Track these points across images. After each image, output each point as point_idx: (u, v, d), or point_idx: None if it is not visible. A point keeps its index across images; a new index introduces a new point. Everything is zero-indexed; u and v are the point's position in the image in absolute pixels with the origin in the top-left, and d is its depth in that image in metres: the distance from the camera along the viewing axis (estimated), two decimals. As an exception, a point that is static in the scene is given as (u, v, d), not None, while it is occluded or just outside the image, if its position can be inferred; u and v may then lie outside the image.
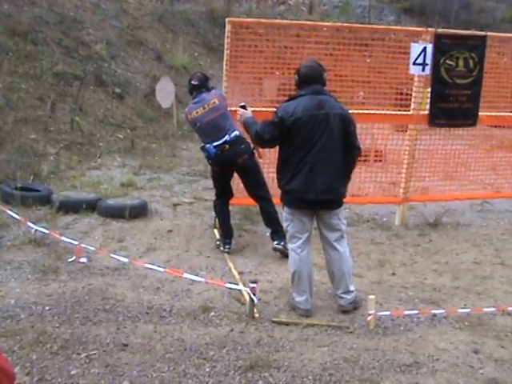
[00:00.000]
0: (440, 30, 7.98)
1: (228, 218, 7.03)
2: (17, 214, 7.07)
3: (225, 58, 7.39)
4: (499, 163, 9.27)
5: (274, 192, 6.97)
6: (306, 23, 9.18)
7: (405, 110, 8.16)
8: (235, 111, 6.64)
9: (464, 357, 4.77)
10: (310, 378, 4.40)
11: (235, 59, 7.53)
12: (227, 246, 6.86)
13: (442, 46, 7.72)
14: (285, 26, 8.34)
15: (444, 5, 23.37)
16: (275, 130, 5.30)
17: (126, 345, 4.72)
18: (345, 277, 5.45)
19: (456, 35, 7.98)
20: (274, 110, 5.61)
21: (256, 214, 7.61)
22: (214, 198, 7.20)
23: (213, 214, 7.37)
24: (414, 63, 7.61)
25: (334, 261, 5.45)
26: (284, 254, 6.59)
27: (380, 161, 8.95)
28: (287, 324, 5.20)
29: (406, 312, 5.35)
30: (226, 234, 6.96)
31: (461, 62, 7.81)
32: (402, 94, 8.43)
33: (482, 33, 8.17)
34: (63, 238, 6.46)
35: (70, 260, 6.29)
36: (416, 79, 7.86)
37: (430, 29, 7.93)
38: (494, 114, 8.51)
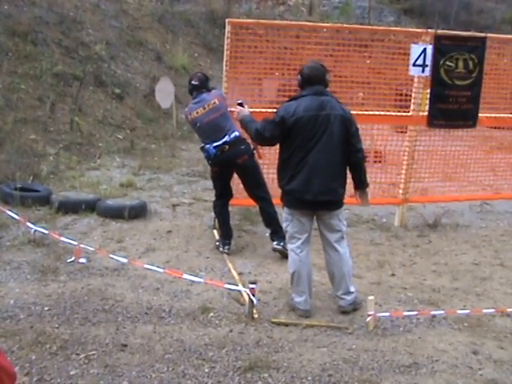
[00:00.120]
0: (440, 31, 7.99)
1: (227, 219, 7.02)
2: (16, 214, 7.07)
3: (225, 59, 7.39)
4: (499, 164, 9.27)
5: (274, 193, 6.98)
6: (305, 24, 9.19)
7: (404, 111, 8.16)
8: (234, 112, 6.67)
9: (463, 358, 4.78)
10: (310, 378, 4.40)
11: (235, 60, 7.53)
12: (227, 247, 6.86)
13: (442, 48, 7.72)
14: (284, 27, 8.35)
15: (444, 6, 23.38)
16: (276, 129, 5.31)
17: (125, 345, 4.72)
18: (345, 278, 5.45)
19: (456, 36, 7.98)
20: (274, 110, 5.63)
21: (255, 215, 7.61)
22: (213, 198, 7.19)
23: (212, 214, 7.37)
24: (414, 64, 7.61)
25: (335, 262, 5.45)
26: (283, 255, 6.58)
27: (379, 162, 8.94)
28: (286, 325, 5.20)
29: (406, 313, 5.35)
30: (226, 234, 6.96)
31: (460, 64, 7.81)
32: (401, 94, 8.44)
33: (482, 34, 8.18)
34: (62, 239, 6.46)
35: (69, 260, 6.29)
36: (416, 80, 7.86)
37: (429, 30, 7.93)
38: (493, 115, 8.51)
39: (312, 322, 5.28)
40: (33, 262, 6.22)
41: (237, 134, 6.72)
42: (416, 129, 8.06)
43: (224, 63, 7.42)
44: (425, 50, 7.58)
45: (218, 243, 6.96)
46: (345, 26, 8.79)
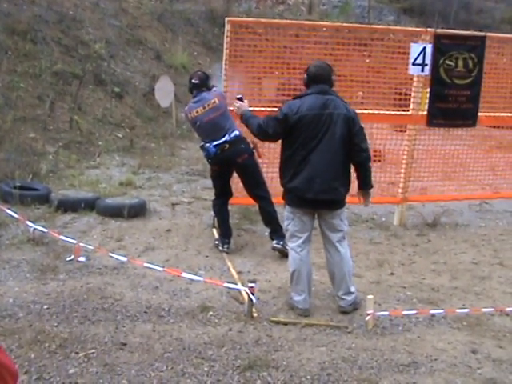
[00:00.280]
0: (439, 31, 7.98)
1: (227, 218, 7.02)
2: (15, 212, 7.07)
3: (224, 58, 7.39)
4: (498, 164, 9.27)
5: (273, 191, 6.99)
6: (305, 23, 9.18)
7: (404, 110, 8.16)
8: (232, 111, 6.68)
9: (462, 357, 4.78)
10: (309, 377, 4.40)
11: (234, 59, 7.53)
12: (226, 246, 6.86)
13: (442, 47, 7.72)
14: (284, 26, 8.34)
15: (443, 5, 23.38)
16: (279, 126, 5.32)
17: (125, 344, 4.72)
18: (345, 278, 5.45)
19: (455, 35, 7.98)
20: (274, 109, 5.63)
21: (255, 214, 7.61)
22: (212, 197, 7.20)
23: (212, 213, 7.37)
24: (414, 63, 7.61)
25: (335, 262, 5.45)
26: (283, 254, 6.59)
27: (379, 161, 8.93)
28: (286, 324, 5.20)
29: (405, 312, 5.36)
30: (225, 233, 6.96)
31: (460, 63, 7.81)
32: (401, 94, 8.43)
33: (482, 33, 8.17)
34: (62, 237, 6.46)
35: (68, 259, 6.29)
36: (415, 79, 7.86)
37: (429, 29, 7.93)
38: (493, 114, 8.51)
39: (311, 320, 5.28)
40: (32, 261, 6.22)
41: (237, 133, 6.72)
42: (415, 128, 8.06)
43: (223, 62, 7.42)
44: (424, 49, 7.58)
45: (217, 242, 6.96)
46: (344, 25, 8.78)
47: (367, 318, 5.18)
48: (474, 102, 8.03)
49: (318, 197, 5.22)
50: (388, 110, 8.29)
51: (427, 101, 7.98)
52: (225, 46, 7.33)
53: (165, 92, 12.59)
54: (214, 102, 6.76)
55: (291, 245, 5.50)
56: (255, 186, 6.91)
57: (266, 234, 7.10)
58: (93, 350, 4.60)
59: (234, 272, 6.24)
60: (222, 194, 7.02)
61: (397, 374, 4.50)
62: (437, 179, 8.76)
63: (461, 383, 4.41)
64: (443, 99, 7.90)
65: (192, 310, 5.37)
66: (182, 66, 15.84)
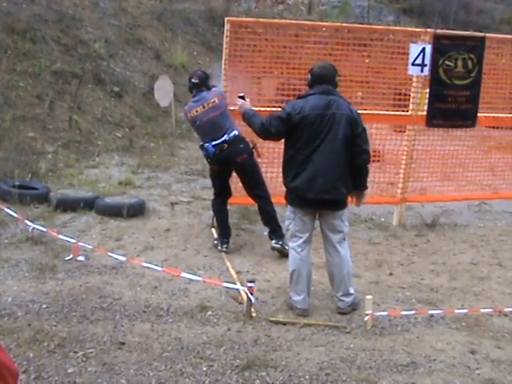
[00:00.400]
0: (439, 31, 7.99)
1: (226, 218, 7.02)
2: (14, 211, 7.06)
3: (223, 57, 7.38)
4: (497, 164, 9.27)
5: (272, 191, 6.99)
6: (304, 23, 9.18)
7: (403, 111, 8.16)
8: (233, 110, 6.68)
9: (461, 357, 4.78)
10: (307, 377, 4.40)
11: (234, 58, 7.53)
12: (225, 246, 6.86)
13: (441, 47, 7.72)
14: (284, 26, 8.34)
15: (443, 5, 23.38)
16: (282, 125, 5.32)
17: (123, 343, 4.72)
18: (345, 279, 5.45)
19: (455, 36, 7.99)
20: (273, 109, 5.63)
21: (254, 214, 7.61)
22: (212, 197, 7.20)
23: (211, 213, 7.37)
24: (413, 64, 7.62)
25: (335, 263, 5.45)
26: (282, 254, 6.59)
27: (378, 161, 8.94)
28: (284, 323, 5.20)
29: (403, 312, 5.36)
30: (224, 233, 6.96)
31: (459, 63, 7.81)
32: (400, 94, 8.43)
33: (481, 34, 8.17)
34: (61, 237, 6.45)
35: (67, 258, 6.29)
36: (414, 80, 7.87)
37: (428, 29, 7.93)
38: (492, 115, 8.51)
39: (310, 320, 5.28)
40: (31, 260, 6.22)
41: (236, 132, 6.73)
42: (415, 128, 8.07)
43: (223, 62, 7.41)
44: (424, 49, 7.58)
45: (216, 242, 6.96)
46: (344, 25, 8.78)
47: (366, 318, 5.18)
48: (474, 103, 8.03)
49: (320, 196, 5.22)
50: (387, 111, 8.29)
51: (426, 101, 7.98)
52: (224, 45, 7.33)
53: (164, 91, 12.58)
54: (214, 102, 6.76)
55: (292, 244, 5.50)
56: (254, 185, 6.91)
57: (265, 233, 7.10)
58: (91, 350, 4.60)
59: (232, 272, 6.24)
60: (221, 194, 7.01)
61: (395, 374, 4.50)
62: (436, 180, 8.76)
63: (459, 383, 4.41)
64: (443, 100, 7.90)
65: (191, 309, 5.37)
66: (181, 66, 15.84)
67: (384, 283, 6.24)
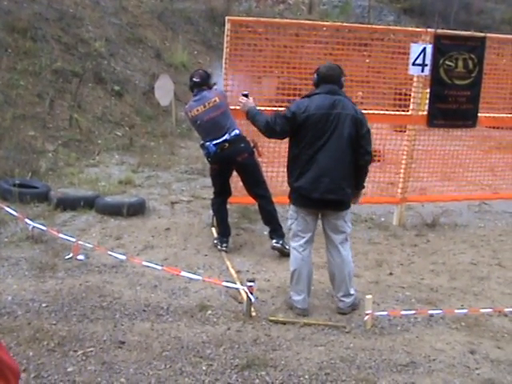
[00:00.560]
0: (439, 31, 7.98)
1: (226, 217, 7.02)
2: (14, 210, 7.06)
3: (224, 57, 7.38)
4: (497, 164, 9.27)
5: (273, 191, 7.00)
6: (305, 23, 9.17)
7: (404, 111, 8.16)
8: (234, 109, 6.68)
9: (460, 357, 4.78)
10: (307, 377, 4.40)
11: (234, 58, 7.53)
12: (225, 245, 6.86)
13: (442, 47, 7.72)
14: (284, 25, 8.33)
15: (444, 5, 23.38)
16: (286, 124, 5.32)
17: (123, 342, 4.72)
18: (345, 280, 5.45)
19: (455, 36, 7.98)
20: (273, 108, 5.63)
21: (254, 213, 7.61)
22: (211, 196, 7.19)
23: (210, 212, 7.37)
24: (414, 64, 7.61)
25: (336, 263, 5.45)
26: (282, 253, 6.60)
27: (378, 161, 8.94)
28: (284, 323, 5.20)
29: (403, 312, 5.36)
30: (224, 232, 6.96)
31: (460, 63, 7.81)
32: (400, 94, 8.43)
33: (482, 34, 8.17)
34: (61, 235, 6.45)
35: (67, 257, 6.29)
36: (415, 79, 7.86)
37: (429, 29, 7.92)
38: (492, 115, 8.51)
39: (310, 320, 5.28)
40: (31, 259, 6.22)
41: (237, 132, 6.72)
42: (415, 128, 8.07)
43: (223, 61, 7.41)
44: (424, 49, 7.58)
45: (216, 241, 6.96)
46: (344, 24, 8.77)
47: (366, 317, 5.19)
48: (474, 103, 8.03)
49: (325, 197, 5.21)
50: (388, 110, 8.29)
51: (427, 101, 7.98)
52: (225, 44, 7.32)
53: (164, 91, 12.59)
54: (215, 101, 6.75)
55: (293, 244, 5.49)
56: (255, 185, 6.90)
57: (265, 233, 7.10)
58: (91, 348, 4.60)
59: (232, 271, 6.24)
60: (222, 193, 7.01)
61: (395, 373, 4.50)
62: (436, 179, 8.76)
63: (459, 383, 4.41)
64: (443, 100, 7.90)
65: (190, 308, 5.37)
66: (181, 65, 15.84)
67: (384, 283, 6.24)
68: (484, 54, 7.94)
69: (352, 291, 5.50)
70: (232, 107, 6.80)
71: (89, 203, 7.79)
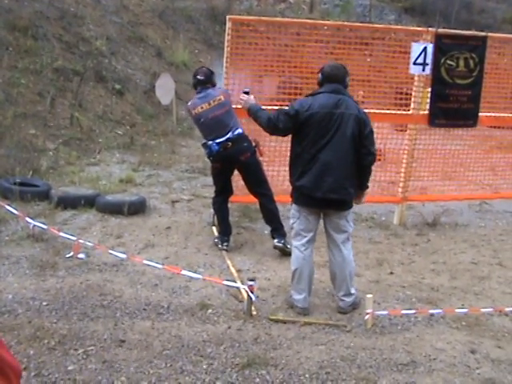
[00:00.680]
0: (441, 30, 7.98)
1: (227, 216, 7.01)
2: (15, 209, 7.07)
3: (225, 56, 7.38)
4: (498, 164, 9.27)
5: (274, 190, 6.99)
6: (306, 21, 9.17)
7: (404, 110, 8.16)
8: (236, 108, 6.67)
9: (461, 357, 4.78)
10: (307, 376, 4.40)
11: (235, 56, 7.53)
12: (225, 244, 6.85)
13: (443, 46, 7.72)
14: (285, 24, 8.33)
15: (445, 5, 23.36)
16: (289, 121, 5.32)
17: (124, 341, 4.72)
18: (346, 279, 5.45)
19: (457, 35, 7.98)
20: (274, 107, 5.62)
21: (255, 212, 7.61)
22: (212, 195, 7.19)
23: (211, 211, 7.36)
24: (415, 63, 7.61)
25: (338, 263, 5.45)
26: (284, 253, 6.59)
27: (379, 160, 8.93)
28: (285, 322, 5.20)
29: (404, 311, 5.36)
30: (225, 231, 6.96)
31: (461, 62, 7.81)
32: (401, 93, 8.42)
33: (483, 33, 8.17)
34: (61, 234, 6.46)
35: (67, 256, 6.29)
36: (416, 79, 7.86)
37: (430, 28, 7.91)
38: (493, 114, 8.50)
39: (310, 319, 5.28)
40: (31, 257, 6.22)
41: (240, 131, 6.71)
42: (416, 127, 8.06)
43: (224, 60, 7.41)
44: (425, 48, 7.57)
45: (216, 240, 6.96)
46: (345, 23, 8.77)
47: (366, 317, 5.18)
48: (475, 102, 8.03)
49: (327, 196, 5.20)
50: (389, 110, 8.28)
51: (428, 100, 7.98)
52: (226, 43, 7.32)
53: (165, 89, 12.59)
54: (220, 99, 6.73)
55: (295, 243, 5.49)
56: (257, 184, 6.89)
57: (266, 232, 7.10)
58: (92, 347, 4.61)
59: (233, 270, 6.24)
60: (223, 192, 7.00)
61: (395, 373, 4.50)
62: (437, 179, 8.76)
63: (459, 383, 4.41)
64: (444, 99, 7.89)
65: (191, 307, 5.37)
66: (182, 64, 15.84)
67: (384, 282, 6.24)
68: (485, 54, 7.94)
69: (353, 290, 5.50)
70: (233, 106, 6.79)
71: (89, 202, 7.79)
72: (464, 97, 7.95)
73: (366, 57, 8.37)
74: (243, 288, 5.42)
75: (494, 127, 9.40)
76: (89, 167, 9.81)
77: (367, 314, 5.17)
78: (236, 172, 6.99)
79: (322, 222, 5.51)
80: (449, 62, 7.76)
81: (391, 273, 6.51)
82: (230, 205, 7.14)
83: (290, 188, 5.54)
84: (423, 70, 7.67)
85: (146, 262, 5.94)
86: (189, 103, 7.01)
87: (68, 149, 10.45)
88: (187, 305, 5.41)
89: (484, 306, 5.63)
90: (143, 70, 14.89)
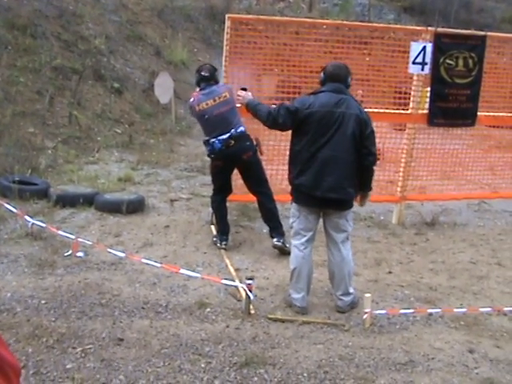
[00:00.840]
0: (440, 29, 7.97)
1: (225, 215, 7.01)
2: (14, 207, 7.06)
3: (224, 55, 7.38)
4: (497, 163, 9.27)
5: (272, 189, 6.98)
6: (305, 20, 9.17)
7: (403, 109, 8.16)
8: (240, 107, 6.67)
9: (459, 356, 4.78)
10: (305, 375, 4.40)
11: (234, 55, 7.52)
12: (224, 243, 6.85)
13: (442, 46, 7.71)
14: (284, 23, 8.32)
15: (444, 4, 23.35)
16: (289, 117, 5.32)
17: (122, 339, 4.72)
18: (345, 279, 5.45)
19: (456, 34, 7.97)
20: (274, 106, 5.62)
21: (253, 211, 7.61)
22: (211, 194, 7.17)
23: (210, 210, 7.36)
24: (414, 62, 7.61)
25: (336, 262, 5.45)
26: (283, 252, 6.59)
27: (378, 159, 8.94)
28: (283, 321, 5.21)
29: (402, 311, 5.37)
30: (223, 230, 6.95)
31: (460, 62, 7.80)
32: (400, 92, 8.43)
33: (482, 33, 8.16)
34: (60, 232, 6.45)
35: (66, 254, 6.29)
36: (415, 78, 7.86)
37: (429, 28, 7.91)
38: (492, 114, 8.51)
39: (308, 318, 5.29)
40: (30, 256, 6.22)
41: (242, 129, 6.70)
42: (415, 127, 8.06)
43: (223, 59, 7.41)
44: (424, 47, 7.57)
45: (215, 239, 6.95)
46: (345, 23, 8.74)
47: (364, 316, 5.18)
48: (474, 102, 8.03)
49: (326, 195, 5.20)
50: (387, 109, 8.27)
51: (427, 100, 7.97)
52: (225, 42, 7.32)
53: (164, 88, 12.58)
54: (225, 96, 6.71)
55: (295, 242, 5.49)
56: (258, 183, 6.89)
57: (265, 231, 7.10)
58: (90, 346, 4.60)
59: (231, 269, 6.24)
60: (221, 191, 6.98)
61: (394, 372, 4.51)
62: (436, 178, 8.76)
63: (458, 383, 4.41)
64: (444, 98, 7.89)
65: (189, 306, 5.37)
66: (181, 63, 15.82)
67: (383, 281, 6.24)
68: (484, 53, 7.94)
69: (351, 290, 5.51)
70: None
71: (88, 200, 7.79)
72: (463, 96, 7.95)
73: (364, 56, 8.36)
74: (241, 287, 5.43)
75: (493, 127, 9.40)
76: (87, 166, 9.81)
77: (365, 313, 5.17)
78: (235, 171, 6.97)
79: (321, 221, 5.51)
80: (448, 61, 7.76)
81: (390, 272, 6.52)
82: (228, 204, 7.14)
83: (289, 187, 5.53)
84: (422, 69, 7.67)
85: (144, 260, 5.94)
86: (191, 100, 6.94)
87: (67, 147, 10.44)
88: (185, 303, 5.41)
89: (482, 306, 5.64)
90: (142, 68, 14.87)
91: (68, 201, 7.71)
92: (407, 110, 8.04)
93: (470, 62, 7.84)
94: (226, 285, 5.65)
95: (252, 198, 7.08)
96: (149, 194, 8.54)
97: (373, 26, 9.35)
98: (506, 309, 5.57)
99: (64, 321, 4.95)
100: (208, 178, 7.52)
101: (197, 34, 17.94)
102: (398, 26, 10.69)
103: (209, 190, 7.60)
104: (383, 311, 5.32)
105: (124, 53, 14.88)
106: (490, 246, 7.61)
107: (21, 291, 5.43)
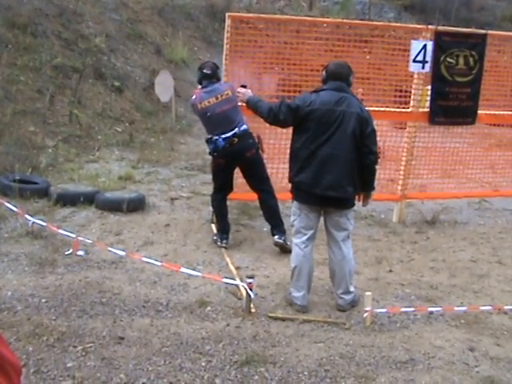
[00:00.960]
0: (440, 28, 7.96)
1: (226, 213, 7.01)
2: (14, 206, 7.06)
3: (224, 53, 7.37)
4: (497, 162, 9.26)
5: (274, 187, 6.98)
6: (305, 19, 9.16)
7: (404, 108, 8.15)
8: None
9: (460, 354, 4.78)
10: (306, 373, 4.40)
11: (235, 54, 7.52)
12: (224, 241, 6.85)
13: (443, 44, 7.71)
14: (285, 22, 8.32)
15: (444, 2, 23.33)
16: (290, 114, 5.33)
17: (123, 338, 4.73)
18: (346, 277, 5.45)
19: (456, 33, 7.97)
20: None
21: (254, 209, 7.61)
22: (211, 192, 7.17)
23: (210, 208, 7.36)
24: (414, 60, 7.60)
25: (337, 260, 5.45)
26: (284, 250, 6.59)
27: (378, 157, 8.93)
28: (283, 319, 5.21)
29: (403, 309, 5.37)
30: (224, 228, 6.95)
31: (461, 60, 7.80)
32: (401, 91, 8.42)
33: (483, 31, 8.16)
34: (60, 231, 6.45)
35: (67, 253, 6.29)
36: (415, 76, 7.85)
37: (430, 26, 7.90)
38: (493, 112, 8.50)
39: (309, 317, 5.29)
40: (31, 254, 6.22)
41: (245, 127, 6.69)
42: (415, 125, 8.06)
43: (224, 57, 7.40)
44: (425, 46, 7.56)
45: (215, 237, 6.95)
46: (345, 21, 8.73)
47: (365, 314, 5.19)
48: (475, 100, 8.03)
49: (326, 193, 5.19)
50: (388, 107, 8.27)
51: (427, 98, 7.97)
52: (225, 41, 7.31)
53: (165, 86, 12.58)
54: (228, 94, 6.69)
55: (296, 240, 5.49)
56: (260, 181, 6.88)
57: (265, 229, 7.10)
58: (91, 344, 4.61)
59: (232, 267, 6.24)
60: (222, 189, 6.97)
61: (394, 370, 4.51)
62: (436, 177, 8.76)
63: (458, 381, 4.41)
64: (444, 97, 7.89)
65: (190, 304, 5.37)
66: (182, 61, 15.80)
67: (383, 280, 6.24)
68: (485, 51, 7.93)
69: (352, 288, 5.51)
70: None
71: (89, 199, 7.79)
72: (463, 94, 7.94)
73: (365, 54, 8.36)
74: (242, 285, 5.42)
75: (494, 125, 9.39)
76: (88, 164, 9.81)
77: (366, 311, 5.17)
78: (239, 169, 6.96)
79: (322, 219, 5.51)
80: (448, 59, 7.75)
81: (390, 270, 6.52)
82: (228, 202, 7.14)
83: (290, 185, 5.53)
84: (423, 67, 7.67)
85: (144, 259, 5.94)
86: (193, 97, 6.92)
87: (67, 146, 10.43)
88: (186, 302, 5.42)
89: (483, 304, 5.64)
90: (142, 67, 14.86)
91: (68, 199, 7.71)
92: (408, 108, 8.03)
93: (471, 60, 7.84)
94: (227, 283, 5.65)
95: (252, 196, 7.08)
96: (149, 192, 8.54)
97: (373, 25, 9.32)
98: (506, 307, 5.57)
99: (64, 319, 4.95)
100: (208, 177, 7.52)
101: (197, 32, 17.92)
102: (399, 25, 10.68)
103: (209, 189, 7.60)
104: (384, 309, 5.32)
105: (124, 51, 14.87)
106: (491, 244, 7.61)
107: (21, 290, 5.43)
